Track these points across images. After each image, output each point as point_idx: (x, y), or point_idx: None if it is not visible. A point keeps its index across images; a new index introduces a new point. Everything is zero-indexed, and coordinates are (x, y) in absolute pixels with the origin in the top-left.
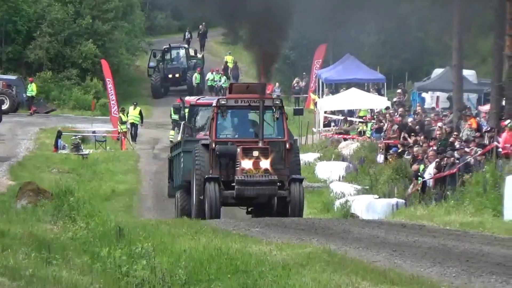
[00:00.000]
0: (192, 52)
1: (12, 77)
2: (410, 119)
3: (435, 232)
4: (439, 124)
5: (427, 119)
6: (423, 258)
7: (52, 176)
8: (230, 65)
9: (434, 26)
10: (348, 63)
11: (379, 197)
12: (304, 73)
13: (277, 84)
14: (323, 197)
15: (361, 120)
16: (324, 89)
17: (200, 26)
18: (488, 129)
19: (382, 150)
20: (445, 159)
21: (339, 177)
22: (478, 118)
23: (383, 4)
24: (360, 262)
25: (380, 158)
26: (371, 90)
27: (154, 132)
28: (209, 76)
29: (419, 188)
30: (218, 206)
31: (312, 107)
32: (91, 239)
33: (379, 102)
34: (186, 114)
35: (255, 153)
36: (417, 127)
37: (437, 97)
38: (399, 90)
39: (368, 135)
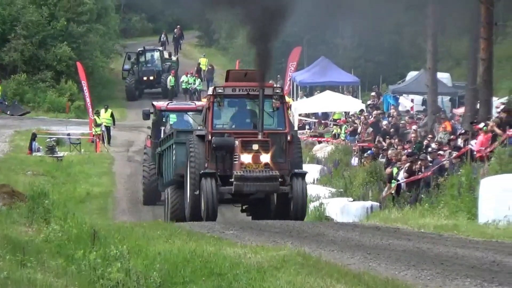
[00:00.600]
0: (166, 55)
1: None
2: (385, 122)
3: (410, 235)
4: (414, 127)
5: (402, 122)
6: (397, 261)
7: (26, 178)
8: (203, 67)
9: (409, 29)
10: (323, 65)
11: (353, 200)
12: (278, 76)
13: None
14: None
15: (335, 123)
16: (299, 91)
17: (176, 29)
18: (463, 132)
19: (357, 153)
20: (419, 162)
21: (314, 180)
22: (452, 121)
23: (358, 7)
24: (335, 265)
25: (355, 161)
26: (346, 92)
27: (129, 134)
28: (183, 78)
29: (393, 191)
30: (215, 205)
31: None
32: (65, 241)
33: (354, 105)
34: (154, 119)
35: (255, 147)
36: (391, 130)
37: (412, 100)
38: (373, 93)
39: (343, 138)
